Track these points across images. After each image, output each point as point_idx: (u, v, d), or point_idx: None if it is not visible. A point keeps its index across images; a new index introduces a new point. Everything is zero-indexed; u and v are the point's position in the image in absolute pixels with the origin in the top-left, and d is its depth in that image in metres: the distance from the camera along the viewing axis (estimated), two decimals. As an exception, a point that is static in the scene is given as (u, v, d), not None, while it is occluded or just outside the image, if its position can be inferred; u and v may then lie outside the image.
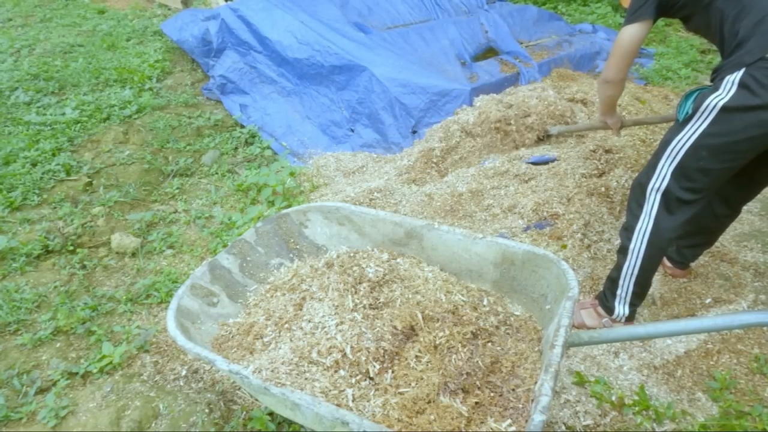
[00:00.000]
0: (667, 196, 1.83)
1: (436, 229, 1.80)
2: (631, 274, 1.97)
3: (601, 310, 2.14)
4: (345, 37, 4.03)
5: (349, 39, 4.01)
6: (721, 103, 1.64)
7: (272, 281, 1.82)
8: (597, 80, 2.07)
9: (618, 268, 2.02)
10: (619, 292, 2.04)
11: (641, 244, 1.91)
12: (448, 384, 1.32)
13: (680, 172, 1.78)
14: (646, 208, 1.88)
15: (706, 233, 2.27)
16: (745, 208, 2.95)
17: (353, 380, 1.35)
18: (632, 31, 1.88)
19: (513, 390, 1.36)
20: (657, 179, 1.84)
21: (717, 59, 5.03)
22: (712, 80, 1.75)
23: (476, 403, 1.32)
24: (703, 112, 1.69)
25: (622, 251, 1.99)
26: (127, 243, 2.70)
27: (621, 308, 2.06)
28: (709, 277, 2.46)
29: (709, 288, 2.40)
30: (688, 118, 1.74)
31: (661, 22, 5.70)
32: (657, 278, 2.43)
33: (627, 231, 1.96)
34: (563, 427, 1.83)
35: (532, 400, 1.29)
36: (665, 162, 1.81)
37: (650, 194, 1.86)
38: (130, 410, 1.84)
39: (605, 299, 2.11)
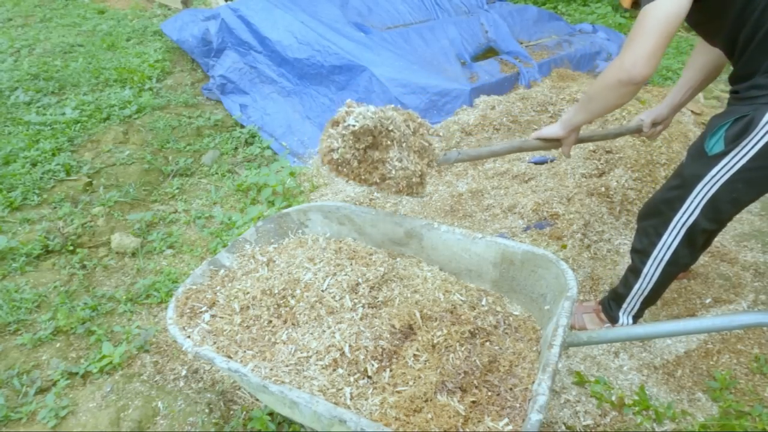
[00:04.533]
0: (692, 230, 1.74)
1: (436, 229, 1.80)
2: (641, 293, 1.94)
3: (604, 317, 2.13)
4: (345, 37, 4.03)
5: (349, 39, 4.01)
6: (766, 140, 1.49)
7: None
8: (603, 79, 1.57)
9: (627, 286, 1.97)
10: (625, 306, 2.01)
11: (656, 269, 1.85)
12: (446, 383, 1.32)
13: (711, 206, 1.68)
14: (667, 239, 1.79)
15: (709, 240, 2.26)
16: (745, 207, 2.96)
17: (351, 379, 1.35)
18: (674, 4, 1.39)
19: (511, 389, 1.36)
20: (684, 214, 1.72)
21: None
22: (739, 95, 1.58)
23: (473, 402, 1.32)
24: (743, 148, 1.53)
25: (634, 272, 1.93)
26: (127, 243, 2.70)
27: (625, 318, 2.04)
28: (709, 277, 2.46)
29: (709, 288, 2.40)
30: (722, 153, 1.58)
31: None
32: (657, 278, 2.43)
33: (641, 254, 1.88)
34: (563, 427, 1.83)
35: (530, 400, 1.29)
36: (696, 198, 1.68)
37: (674, 227, 1.76)
38: (130, 410, 1.84)
39: (609, 309, 2.08)
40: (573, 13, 6.44)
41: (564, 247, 2.52)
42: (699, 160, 1.67)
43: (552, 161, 3.16)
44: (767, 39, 1.46)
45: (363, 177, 1.60)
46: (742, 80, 1.57)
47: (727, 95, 1.74)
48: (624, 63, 1.46)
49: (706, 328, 1.38)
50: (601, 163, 3.02)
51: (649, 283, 1.90)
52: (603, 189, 2.83)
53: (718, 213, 1.69)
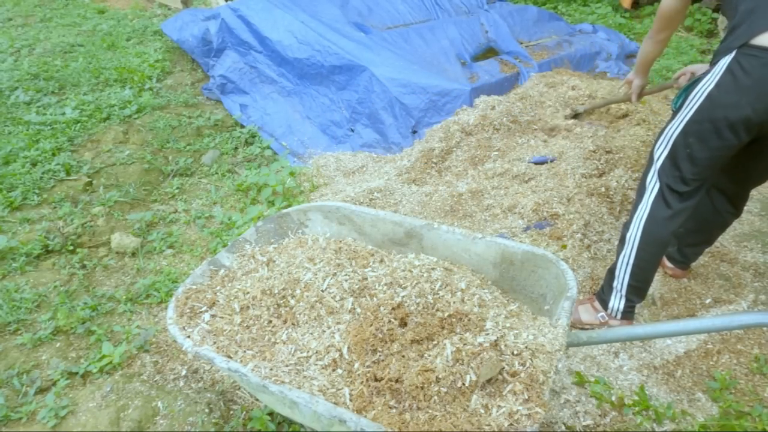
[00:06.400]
0: (662, 186, 1.87)
1: (436, 229, 1.80)
2: (627, 263, 1.99)
3: (597, 305, 2.14)
4: (345, 37, 4.03)
5: (349, 39, 4.01)
6: (707, 91, 1.69)
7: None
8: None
9: (616, 257, 2.05)
10: (615, 284, 2.04)
11: (637, 230, 1.94)
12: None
13: (671, 160, 1.82)
14: (645, 196, 1.92)
15: (707, 230, 2.27)
16: (745, 207, 2.97)
17: (350, 379, 1.35)
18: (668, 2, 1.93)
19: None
20: (653, 169, 1.89)
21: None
22: (711, 63, 1.78)
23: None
24: (692, 100, 1.74)
25: (621, 240, 2.03)
26: (127, 243, 2.70)
27: (616, 302, 2.05)
28: (709, 277, 2.46)
29: (709, 288, 2.40)
30: (679, 106, 1.80)
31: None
32: (657, 278, 2.43)
33: (627, 222, 2.00)
34: (563, 427, 1.83)
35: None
36: (658, 149, 1.86)
37: (648, 183, 1.91)
38: (130, 410, 1.84)
39: (602, 292, 2.13)
40: (573, 13, 6.44)
41: (564, 247, 2.52)
42: (669, 119, 1.87)
43: (552, 161, 3.16)
44: (731, 18, 1.70)
45: None
46: (716, 50, 1.79)
47: None
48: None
49: (706, 328, 1.38)
50: (601, 163, 3.02)
51: (632, 248, 1.96)
52: (603, 189, 2.83)
53: (679, 170, 1.81)
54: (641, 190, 1.95)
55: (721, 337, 2.15)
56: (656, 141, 1.89)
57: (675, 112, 1.83)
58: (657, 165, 1.87)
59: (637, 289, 2.03)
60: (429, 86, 3.70)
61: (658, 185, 1.88)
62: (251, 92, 4.17)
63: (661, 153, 1.85)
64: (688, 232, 2.26)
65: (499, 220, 2.77)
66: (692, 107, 1.74)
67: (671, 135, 1.81)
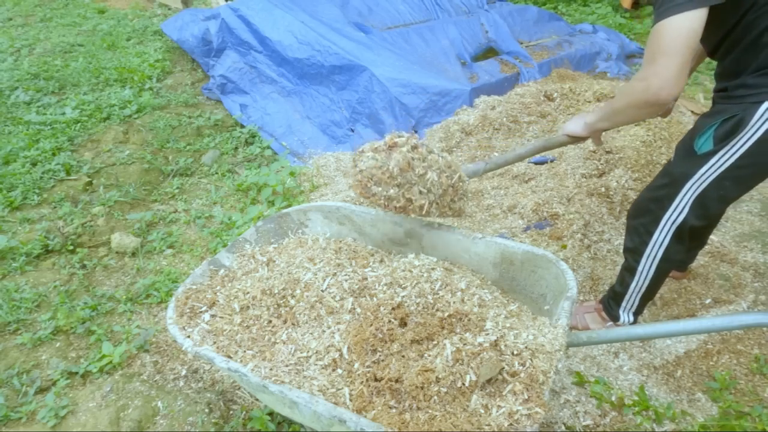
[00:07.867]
0: (681, 228, 1.77)
1: (436, 229, 1.80)
2: (639, 290, 1.97)
3: (605, 315, 2.14)
4: (345, 37, 4.03)
5: (350, 39, 4.01)
6: (756, 136, 1.51)
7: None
8: (630, 99, 1.53)
9: (624, 285, 2.00)
10: (624, 304, 2.04)
11: (650, 267, 1.89)
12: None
13: (699, 204, 1.71)
14: (657, 236, 1.82)
15: (700, 238, 2.27)
16: (745, 208, 2.97)
17: (350, 379, 1.35)
18: (692, 20, 1.34)
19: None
20: (674, 213, 1.76)
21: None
22: (727, 94, 1.60)
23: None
24: (733, 146, 1.56)
25: (629, 270, 1.95)
26: (127, 243, 2.70)
27: (626, 316, 2.07)
28: (709, 277, 2.46)
29: (709, 288, 2.40)
30: (711, 152, 1.62)
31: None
32: (657, 278, 2.43)
33: (634, 253, 1.91)
34: (563, 427, 1.83)
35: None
36: (685, 196, 1.72)
37: (665, 225, 1.79)
38: (129, 410, 1.84)
39: (610, 308, 2.11)
40: (573, 13, 6.44)
41: (564, 247, 2.52)
42: (688, 159, 1.70)
43: (552, 161, 3.16)
44: (758, 41, 1.49)
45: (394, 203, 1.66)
46: (730, 78, 1.60)
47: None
48: (651, 86, 1.41)
49: (706, 328, 1.38)
50: (601, 164, 3.02)
51: (645, 280, 1.93)
52: (603, 189, 2.83)
53: (706, 209, 1.73)
54: (649, 226, 1.83)
55: (721, 337, 2.15)
56: (679, 185, 1.71)
57: (703, 156, 1.64)
58: (681, 210, 1.74)
59: (646, 304, 2.06)
60: (429, 86, 3.70)
61: (677, 225, 1.77)
62: (251, 92, 4.18)
63: (690, 198, 1.71)
64: None
65: (499, 220, 2.77)
66: (735, 153, 1.57)
67: (704, 181, 1.66)
